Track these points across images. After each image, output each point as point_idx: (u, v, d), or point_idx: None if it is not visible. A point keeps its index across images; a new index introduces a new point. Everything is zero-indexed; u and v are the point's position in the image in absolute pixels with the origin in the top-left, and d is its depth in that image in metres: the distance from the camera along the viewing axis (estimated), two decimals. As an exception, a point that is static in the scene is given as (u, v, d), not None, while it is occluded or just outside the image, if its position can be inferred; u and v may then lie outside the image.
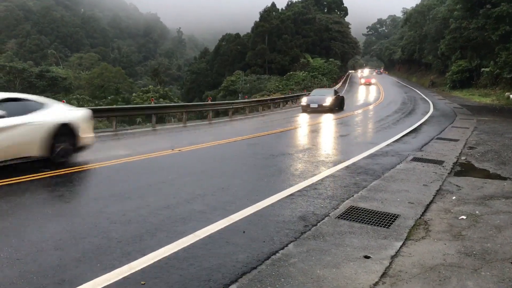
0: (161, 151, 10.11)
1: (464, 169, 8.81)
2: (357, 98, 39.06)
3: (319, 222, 5.17)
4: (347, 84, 64.99)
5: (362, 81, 61.64)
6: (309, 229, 4.90)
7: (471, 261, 4.05)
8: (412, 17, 67.41)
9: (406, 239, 4.70)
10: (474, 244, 4.52)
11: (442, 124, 17.77)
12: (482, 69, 43.29)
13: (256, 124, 17.83)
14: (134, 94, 49.09)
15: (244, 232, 4.75)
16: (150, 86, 51.57)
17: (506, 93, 34.83)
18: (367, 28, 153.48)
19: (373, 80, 61.45)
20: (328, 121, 19.33)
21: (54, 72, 66.03)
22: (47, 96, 43.08)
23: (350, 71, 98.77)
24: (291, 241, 4.52)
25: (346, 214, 5.47)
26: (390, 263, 4.04)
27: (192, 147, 10.83)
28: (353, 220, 5.26)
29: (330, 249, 4.33)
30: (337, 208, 5.73)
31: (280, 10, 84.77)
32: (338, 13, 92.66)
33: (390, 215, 5.48)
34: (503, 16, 21.98)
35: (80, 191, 6.38)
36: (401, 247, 4.47)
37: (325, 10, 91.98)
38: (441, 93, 45.93)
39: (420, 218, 5.46)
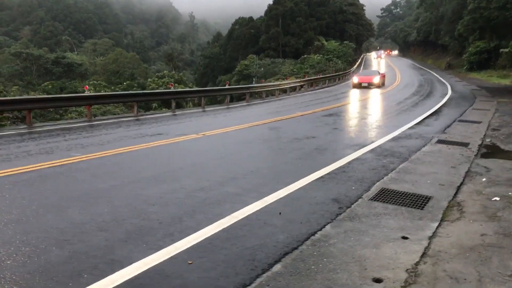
0: (187, 135, 10.22)
1: (490, 151, 8.76)
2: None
3: (352, 204, 5.23)
4: (362, 67, 64.40)
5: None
6: (344, 211, 4.96)
7: (510, 242, 4.08)
8: (428, -3, 66.07)
9: (441, 220, 4.74)
10: (511, 225, 4.54)
11: (462, 107, 17.58)
12: (501, 50, 42.47)
13: (274, 108, 17.82)
14: (149, 80, 49.08)
15: (280, 213, 4.84)
16: (165, 71, 51.63)
17: (526, 74, 34.27)
18: (381, 9, 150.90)
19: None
20: (347, 103, 19.26)
21: (69, 58, 66.44)
22: (63, 82, 43.37)
23: (364, 54, 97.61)
24: (328, 223, 4.59)
25: (379, 196, 5.52)
26: (429, 243, 4.09)
27: (216, 131, 10.91)
28: (387, 202, 5.30)
29: (368, 230, 4.40)
30: (369, 190, 5.78)
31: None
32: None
33: (423, 197, 5.52)
34: (526, -6, 21.45)
35: (115, 174, 6.50)
36: (437, 228, 4.51)
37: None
38: (458, 75, 45.29)
39: (452, 199, 5.49)
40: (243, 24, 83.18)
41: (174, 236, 4.17)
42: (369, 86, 29.17)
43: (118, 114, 26.18)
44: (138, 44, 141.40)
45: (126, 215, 4.74)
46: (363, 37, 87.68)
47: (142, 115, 15.84)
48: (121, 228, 4.38)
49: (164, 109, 33.70)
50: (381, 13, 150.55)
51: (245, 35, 78.56)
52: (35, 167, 6.89)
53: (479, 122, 12.95)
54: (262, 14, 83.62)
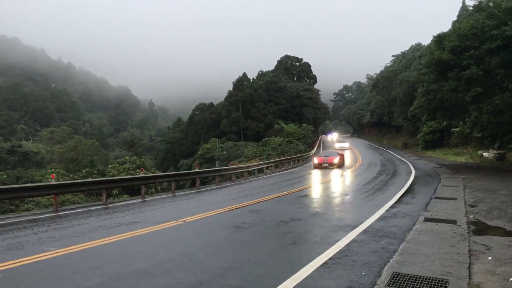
0: (166, 222, 9.65)
1: (479, 227, 8.71)
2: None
3: (370, 292, 4.85)
4: (321, 148, 66.01)
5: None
6: (364, 300, 4.57)
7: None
8: (379, 82, 70.34)
9: (469, 306, 4.42)
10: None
11: (432, 184, 17.91)
12: (453, 129, 44.92)
13: (247, 191, 17.49)
14: (110, 166, 48.15)
15: (297, 307, 4.38)
16: (126, 158, 50.91)
17: (479, 151, 35.93)
18: (334, 94, 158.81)
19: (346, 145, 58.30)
20: (319, 184, 19.22)
21: (25, 147, 64.67)
22: (19, 171, 41.76)
23: (321, 136, 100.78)
24: (353, 315, 4.17)
25: (394, 282, 5.19)
26: (469, 334, 3.74)
27: (196, 217, 10.39)
28: (404, 288, 4.96)
29: (398, 321, 4.01)
30: (381, 275, 5.44)
31: (251, 80, 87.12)
32: (308, 80, 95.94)
33: (439, 280, 5.23)
34: (474, 78, 22.97)
35: (100, 270, 5.85)
36: (468, 314, 4.19)
37: (295, 79, 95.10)
38: (415, 154, 47.02)
39: (469, 281, 5.22)
40: (204, 110, 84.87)
41: None
42: (330, 166, 30.12)
43: (79, 203, 25.11)
44: (96, 131, 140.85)
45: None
46: (320, 120, 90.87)
47: (111, 203, 15.08)
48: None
49: (125, 196, 32.71)
50: (334, 97, 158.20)
51: (206, 120, 79.80)
52: (5, 265, 6.16)
53: (454, 199, 13.09)
54: (221, 99, 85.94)
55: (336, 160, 30.44)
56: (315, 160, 31.34)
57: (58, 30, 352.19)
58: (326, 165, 30.00)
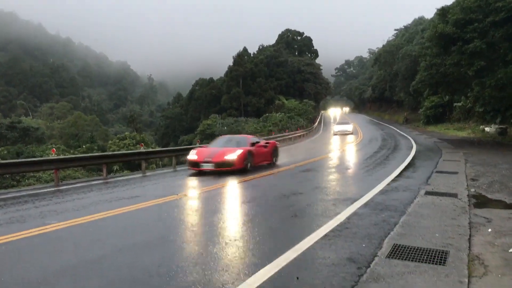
0: (166, 196, 9.66)
1: (480, 201, 8.71)
2: (338, 137, 39.47)
3: (370, 263, 4.86)
4: (322, 123, 65.98)
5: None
6: (365, 272, 4.58)
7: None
8: (381, 56, 69.69)
9: (469, 276, 4.43)
10: (545, 277, 4.29)
11: (433, 158, 17.89)
12: (455, 104, 44.74)
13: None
14: (110, 142, 48.05)
15: (297, 278, 4.39)
16: (126, 133, 50.66)
17: (481, 126, 35.88)
18: (335, 69, 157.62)
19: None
20: (320, 158, 19.20)
21: (25, 123, 64.52)
22: (20, 147, 41.79)
23: (322, 112, 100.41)
24: (353, 286, 4.19)
25: (394, 253, 5.20)
26: (470, 303, 3.75)
27: (197, 191, 10.42)
28: (405, 259, 4.98)
29: (399, 292, 4.02)
30: (381, 247, 5.45)
31: (252, 54, 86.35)
32: (309, 55, 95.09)
33: (439, 252, 5.24)
34: (477, 51, 22.73)
35: (101, 242, 5.87)
36: (468, 285, 4.20)
37: (296, 53, 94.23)
38: (417, 129, 46.97)
39: (469, 253, 5.23)
40: (204, 85, 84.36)
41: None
42: (216, 168, 14.55)
43: (79, 178, 25.16)
44: (96, 107, 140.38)
45: None
46: (321, 95, 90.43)
47: (111, 177, 15.11)
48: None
49: (126, 171, 32.74)
50: (336, 72, 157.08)
51: (206, 96, 79.42)
52: (7, 238, 6.19)
53: (456, 173, 13.08)
54: (222, 75, 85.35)
55: (231, 156, 14.37)
56: (191, 156, 15.11)
57: (55, 4, 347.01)
58: (208, 166, 14.44)
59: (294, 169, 15.23)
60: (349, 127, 41.02)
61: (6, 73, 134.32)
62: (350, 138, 34.96)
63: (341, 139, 34.55)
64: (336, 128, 41.73)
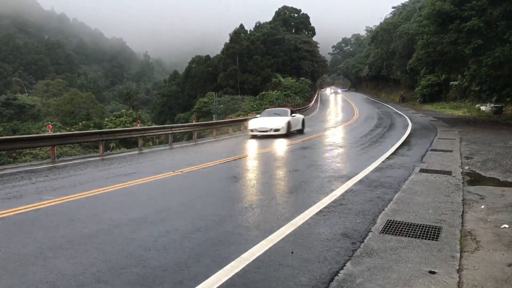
0: (163, 173, 9.70)
1: (474, 178, 8.78)
2: (334, 115, 39.41)
3: (364, 238, 4.94)
4: (319, 102, 65.84)
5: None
6: (359, 247, 4.65)
7: (545, 270, 3.88)
8: (378, 34, 69.11)
9: (461, 251, 4.51)
10: (535, 252, 4.37)
11: (428, 136, 17.95)
12: (451, 83, 44.64)
13: (245, 143, 17.53)
14: (106, 119, 47.91)
15: (292, 252, 4.46)
16: (122, 111, 50.45)
17: (477, 105, 35.86)
18: (332, 47, 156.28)
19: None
20: (317, 136, 19.24)
21: (21, 100, 64.10)
22: (16, 124, 41.81)
23: (319, 90, 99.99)
24: (347, 260, 4.26)
25: (388, 229, 5.27)
26: (460, 277, 3.83)
27: (194, 168, 10.46)
28: (398, 235, 5.06)
29: (391, 266, 4.10)
30: (375, 223, 5.53)
31: (248, 32, 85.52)
32: (306, 33, 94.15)
33: (432, 227, 5.31)
34: (475, 30, 22.58)
35: (98, 217, 5.92)
36: (460, 259, 4.28)
37: (293, 31, 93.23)
38: (413, 107, 46.93)
39: (462, 229, 5.31)
40: (200, 62, 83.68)
41: (185, 284, 3.71)
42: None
43: (76, 155, 25.17)
44: (92, 84, 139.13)
45: (123, 263, 4.23)
46: (318, 74, 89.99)
47: (108, 154, 15.14)
48: (122, 278, 3.87)
49: (122, 148, 32.73)
50: (333, 51, 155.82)
51: (202, 73, 78.90)
52: (4, 213, 6.23)
53: (450, 151, 13.15)
54: (218, 52, 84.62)
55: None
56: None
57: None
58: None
59: (290, 147, 15.25)
60: (277, 123, 20.20)
61: (1, 49, 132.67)
62: (347, 116, 34.93)
63: (337, 118, 34.55)
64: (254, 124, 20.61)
